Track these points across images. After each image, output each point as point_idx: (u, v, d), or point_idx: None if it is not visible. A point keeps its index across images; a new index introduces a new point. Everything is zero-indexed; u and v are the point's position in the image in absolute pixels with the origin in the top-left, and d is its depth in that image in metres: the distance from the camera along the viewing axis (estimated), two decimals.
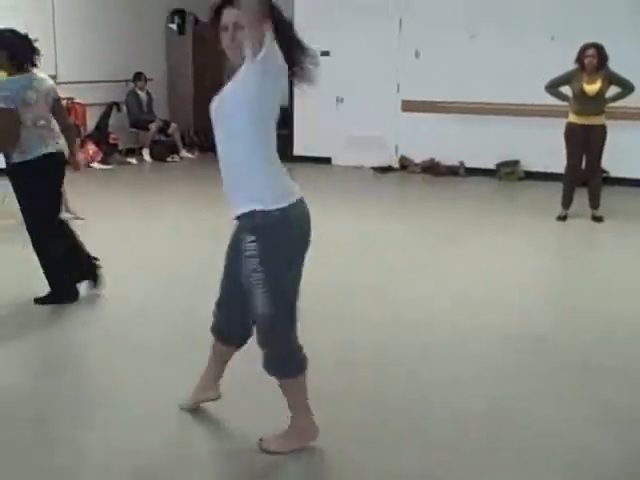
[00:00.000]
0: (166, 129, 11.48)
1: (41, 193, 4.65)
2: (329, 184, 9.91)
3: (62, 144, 4.82)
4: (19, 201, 4.71)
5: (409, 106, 10.65)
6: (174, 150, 11.48)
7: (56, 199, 4.82)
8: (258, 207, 2.77)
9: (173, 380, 3.66)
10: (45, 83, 4.73)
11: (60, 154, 4.78)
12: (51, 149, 4.69)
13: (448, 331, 4.49)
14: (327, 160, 11.28)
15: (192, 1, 12.12)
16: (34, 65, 4.67)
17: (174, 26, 12.18)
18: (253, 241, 2.79)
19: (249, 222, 2.81)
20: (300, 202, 2.90)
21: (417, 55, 10.46)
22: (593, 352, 4.17)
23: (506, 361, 4.09)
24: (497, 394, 3.66)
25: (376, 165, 10.76)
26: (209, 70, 12.57)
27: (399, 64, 10.60)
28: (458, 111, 10.26)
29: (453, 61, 10.11)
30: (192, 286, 5.17)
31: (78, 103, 10.30)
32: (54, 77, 10.02)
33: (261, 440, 3.08)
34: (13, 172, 4.65)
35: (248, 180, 2.81)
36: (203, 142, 12.01)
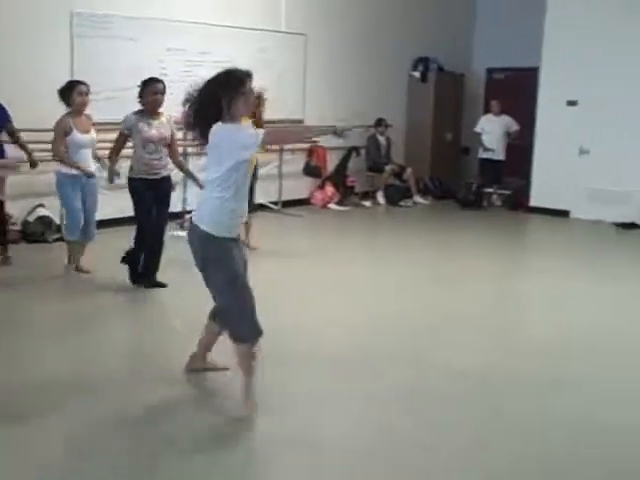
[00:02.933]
0: (401, 174, 11.66)
1: None
2: (566, 236, 9.55)
3: None
4: None
5: None
6: (408, 195, 11.62)
7: None
8: None
9: None
10: None
11: None
12: None
13: None
14: (566, 213, 10.85)
15: (436, 49, 12.30)
16: None
17: (417, 74, 12.39)
18: None
19: None
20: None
21: None
22: None
23: None
24: None
25: (618, 220, 10.17)
26: (448, 118, 12.70)
27: None
28: None
29: None
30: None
31: (321, 147, 10.76)
32: (301, 121, 10.62)
33: None
34: None
35: None
36: (438, 188, 12.08)
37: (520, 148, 11.45)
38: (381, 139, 11.66)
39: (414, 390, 4.10)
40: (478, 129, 11.74)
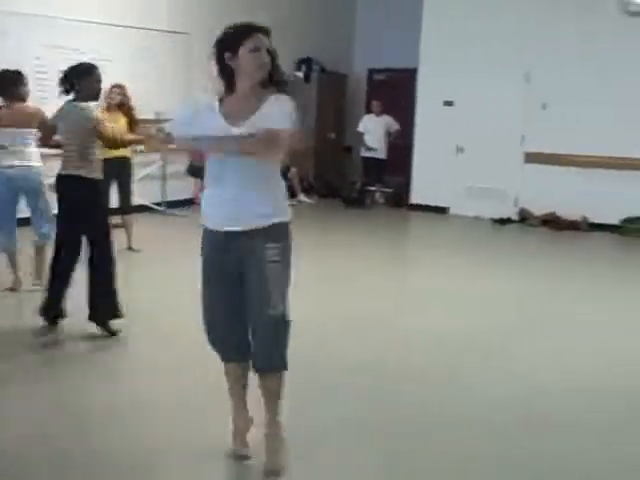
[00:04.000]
0: (285, 173, 11.72)
1: None
2: (446, 232, 9.87)
3: None
4: None
5: (533, 158, 10.49)
6: (292, 194, 11.70)
7: None
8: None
9: None
10: None
11: None
12: None
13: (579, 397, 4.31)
14: (444, 210, 11.22)
15: (319, 50, 12.44)
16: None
17: (300, 74, 12.49)
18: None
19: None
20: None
21: (544, 107, 10.31)
22: None
23: None
24: None
25: (495, 216, 10.61)
26: (331, 117, 12.86)
27: (525, 115, 10.46)
28: (583, 164, 10.01)
29: (581, 114, 9.91)
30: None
31: None
32: None
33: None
34: None
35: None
36: (322, 187, 12.23)
37: (401, 147, 11.73)
38: None
39: (325, 386, 4.15)
40: (360, 129, 11.94)
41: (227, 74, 3.01)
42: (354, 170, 12.70)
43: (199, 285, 3.14)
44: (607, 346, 5.19)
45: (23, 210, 5.98)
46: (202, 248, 3.11)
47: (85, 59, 5.48)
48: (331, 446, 3.43)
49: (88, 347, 4.76)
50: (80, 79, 4.74)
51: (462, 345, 5.06)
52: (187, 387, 4.08)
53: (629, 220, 9.80)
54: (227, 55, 2.96)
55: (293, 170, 11.75)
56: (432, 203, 11.25)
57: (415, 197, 11.53)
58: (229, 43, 2.97)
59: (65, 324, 4.87)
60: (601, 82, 9.76)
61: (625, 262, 8.50)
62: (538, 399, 4.15)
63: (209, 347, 3.22)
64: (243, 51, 2.95)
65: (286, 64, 13.49)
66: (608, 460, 3.45)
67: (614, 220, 9.87)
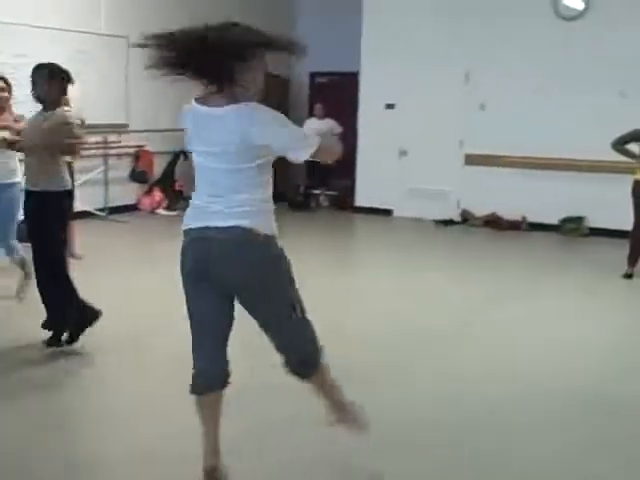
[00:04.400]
0: None
1: None
2: (391, 234, 9.98)
3: None
4: None
5: (472, 160, 10.65)
6: None
7: None
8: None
9: None
10: None
11: None
12: None
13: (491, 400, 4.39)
14: (389, 212, 11.32)
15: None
16: None
17: None
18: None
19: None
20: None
21: (482, 108, 10.49)
22: None
23: (584, 431, 3.92)
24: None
25: (437, 218, 10.74)
26: None
27: (465, 117, 10.63)
28: (522, 165, 10.21)
29: (519, 115, 10.11)
30: None
31: (147, 151, 10.58)
32: (126, 125, 10.41)
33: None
34: None
35: None
36: None
37: (345, 150, 11.77)
38: None
39: (246, 385, 4.15)
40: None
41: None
42: (299, 174, 12.72)
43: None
44: (541, 345, 5.28)
45: None
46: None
47: (22, 64, 5.39)
48: (276, 442, 3.44)
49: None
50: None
51: (401, 344, 5.12)
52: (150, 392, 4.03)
53: (568, 220, 10.03)
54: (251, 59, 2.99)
55: None
56: (376, 205, 11.35)
57: (359, 200, 11.61)
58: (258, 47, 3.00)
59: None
60: (538, 84, 9.96)
61: (563, 261, 8.68)
62: (468, 398, 4.22)
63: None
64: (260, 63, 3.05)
65: None
66: (528, 459, 3.51)
67: (554, 220, 10.08)
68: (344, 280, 7.32)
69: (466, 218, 10.75)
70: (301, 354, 3.04)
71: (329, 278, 7.22)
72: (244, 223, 2.84)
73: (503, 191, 10.39)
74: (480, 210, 10.60)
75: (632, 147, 7.44)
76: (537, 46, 9.95)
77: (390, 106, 11.13)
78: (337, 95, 12.53)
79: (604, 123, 8.84)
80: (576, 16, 9.81)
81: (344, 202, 11.86)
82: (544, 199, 10.05)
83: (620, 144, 7.47)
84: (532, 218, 10.26)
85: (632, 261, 7.48)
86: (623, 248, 7.59)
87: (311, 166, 12.02)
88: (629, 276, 7.43)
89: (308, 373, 3.08)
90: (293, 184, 12.42)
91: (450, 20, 10.49)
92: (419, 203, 10.99)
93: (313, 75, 13.51)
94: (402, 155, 11.19)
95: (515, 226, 10.29)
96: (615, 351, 5.29)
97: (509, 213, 10.36)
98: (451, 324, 5.72)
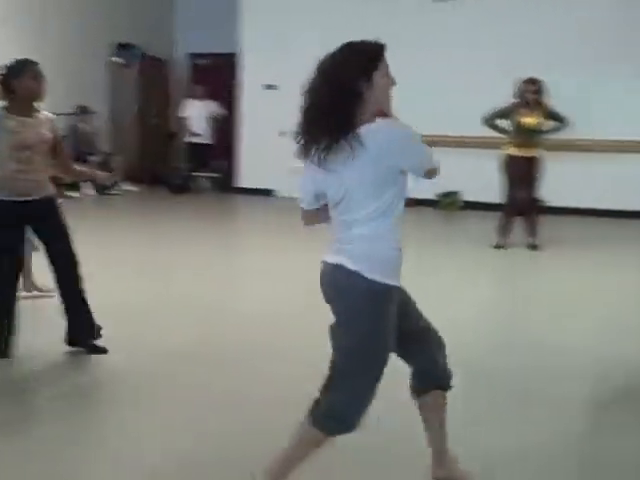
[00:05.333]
0: (109, 162, 11.41)
1: None
2: (273, 213, 10.07)
3: None
4: None
5: None
6: (117, 183, 11.41)
7: None
8: None
9: None
10: None
11: None
12: None
13: None
14: (269, 192, 11.39)
15: (139, 35, 12.18)
16: None
17: (119, 60, 12.17)
18: None
19: None
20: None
21: None
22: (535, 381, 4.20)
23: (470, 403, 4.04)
24: None
25: None
26: (154, 103, 12.66)
27: None
28: None
29: (403, 96, 10.30)
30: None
31: None
32: None
33: None
34: None
35: None
36: (147, 175, 12.03)
37: (226, 131, 11.77)
38: (84, 127, 11.32)
39: (129, 371, 4.13)
40: (184, 114, 11.85)
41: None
42: (180, 156, 12.60)
43: None
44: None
45: None
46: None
47: None
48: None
49: None
50: None
51: (280, 323, 5.17)
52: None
53: (445, 194, 10.37)
54: (362, 83, 2.51)
55: (117, 159, 11.47)
56: (258, 186, 11.39)
57: (242, 181, 11.62)
58: (367, 65, 2.56)
59: None
60: (407, 63, 10.20)
61: (440, 232, 9.00)
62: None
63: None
64: (378, 77, 2.58)
65: (104, 49, 13.24)
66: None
67: (430, 194, 10.39)
68: (225, 261, 7.33)
69: None
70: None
71: (210, 260, 7.20)
72: None
73: None
74: None
75: (501, 123, 7.80)
76: (407, 25, 10.16)
77: (271, 87, 11.17)
78: (217, 76, 12.47)
79: (475, 99, 9.13)
80: None
81: (226, 183, 11.85)
82: None
83: (492, 120, 7.81)
84: (410, 193, 10.49)
85: (503, 232, 7.84)
86: (496, 220, 7.94)
87: (191, 148, 11.97)
88: (500, 247, 7.79)
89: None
90: (174, 167, 12.30)
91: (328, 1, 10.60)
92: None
93: (193, 56, 13.37)
94: (283, 135, 11.26)
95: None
96: (486, 326, 5.46)
97: None
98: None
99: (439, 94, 10.14)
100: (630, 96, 9.77)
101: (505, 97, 7.77)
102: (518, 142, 7.61)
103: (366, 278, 2.49)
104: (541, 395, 3.90)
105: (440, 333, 2.81)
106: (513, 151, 7.59)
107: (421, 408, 2.79)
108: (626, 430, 3.49)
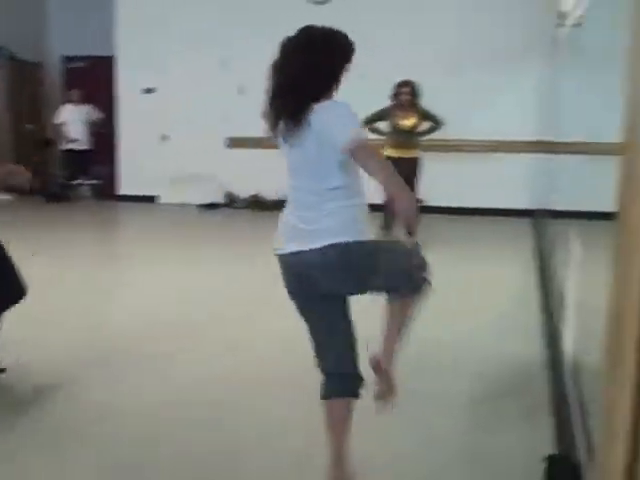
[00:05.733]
0: None
1: None
2: (155, 222, 9.90)
3: None
4: None
5: (234, 143, 10.82)
6: None
7: None
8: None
9: None
10: None
11: None
12: None
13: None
14: (152, 198, 11.23)
15: (6, 37, 11.73)
16: None
17: None
18: None
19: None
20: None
21: (241, 92, 10.67)
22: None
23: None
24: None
25: (202, 202, 10.83)
26: (27, 108, 12.22)
27: (224, 102, 10.75)
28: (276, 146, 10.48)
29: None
30: None
31: None
32: None
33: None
34: None
35: None
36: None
37: (105, 136, 11.51)
38: None
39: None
40: (59, 120, 11.51)
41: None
42: (56, 163, 12.23)
43: None
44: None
45: None
46: None
47: None
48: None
49: None
50: None
51: (160, 335, 5.13)
52: None
53: None
54: (341, 69, 2.81)
55: None
56: (140, 193, 11.20)
57: (123, 188, 11.40)
58: (348, 55, 2.84)
59: None
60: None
61: None
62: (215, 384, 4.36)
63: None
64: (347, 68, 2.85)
65: None
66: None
67: None
68: (105, 273, 7.15)
69: (231, 200, 10.93)
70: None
71: (90, 272, 7.03)
72: None
73: (265, 172, 10.64)
74: (244, 192, 10.82)
75: (380, 125, 7.99)
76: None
77: (149, 90, 11.01)
78: (94, 80, 12.17)
79: (354, 103, 9.26)
80: (325, 0, 10.24)
81: (106, 191, 11.59)
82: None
83: (370, 122, 7.97)
84: None
85: (386, 229, 8.01)
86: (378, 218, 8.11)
87: (69, 155, 11.63)
88: None
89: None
90: (50, 175, 11.92)
91: (208, 5, 10.53)
92: (184, 188, 11.00)
93: (67, 59, 12.98)
94: (164, 140, 11.12)
95: (278, 205, 10.58)
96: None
97: (272, 193, 10.66)
98: (210, 313, 5.82)
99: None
100: (502, 97, 10.15)
101: (383, 100, 7.93)
102: (395, 143, 7.80)
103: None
104: (424, 392, 4.01)
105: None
106: (391, 152, 7.75)
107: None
108: (508, 425, 3.63)
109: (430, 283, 2.99)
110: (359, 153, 2.61)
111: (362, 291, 2.84)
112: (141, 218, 10.43)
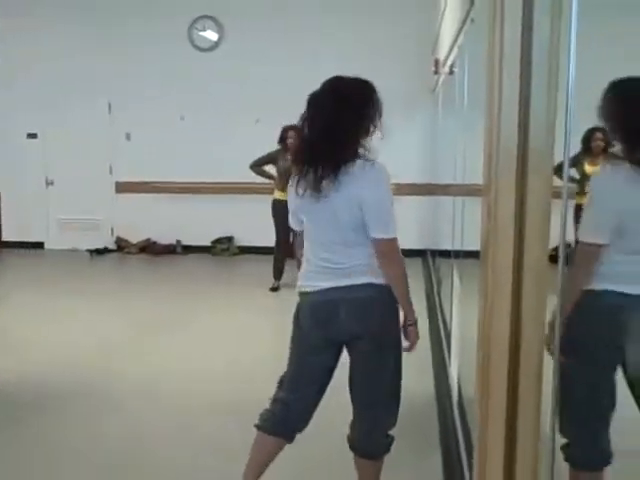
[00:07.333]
0: None
1: None
2: (43, 269, 9.64)
3: None
4: None
5: (123, 187, 10.70)
6: None
7: None
8: None
9: None
10: None
11: None
12: None
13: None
14: (40, 245, 10.94)
15: None
16: None
17: None
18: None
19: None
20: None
21: (128, 138, 10.60)
22: None
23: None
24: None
25: (92, 247, 10.63)
26: None
27: (111, 146, 10.64)
28: (172, 191, 10.46)
29: (164, 142, 10.37)
30: None
31: None
32: None
33: None
34: None
35: None
36: None
37: None
38: None
39: None
40: None
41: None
42: None
43: None
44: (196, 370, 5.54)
45: None
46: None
47: None
48: None
49: None
50: None
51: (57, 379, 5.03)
52: None
53: (218, 240, 10.50)
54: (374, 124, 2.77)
55: None
56: (26, 239, 10.90)
57: (7, 234, 11.04)
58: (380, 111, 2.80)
59: None
60: (180, 112, 10.33)
61: (217, 280, 9.10)
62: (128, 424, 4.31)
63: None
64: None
65: None
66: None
67: (206, 242, 10.50)
68: None
69: (121, 246, 10.77)
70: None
71: None
72: None
73: (156, 216, 10.59)
74: (135, 237, 10.69)
75: (268, 168, 8.10)
76: (176, 75, 10.26)
77: (32, 135, 10.78)
78: None
79: (242, 147, 9.31)
80: (211, 47, 10.33)
81: None
82: (196, 222, 10.41)
83: (258, 165, 8.08)
84: (186, 241, 10.59)
85: (277, 275, 8.08)
86: (270, 263, 8.17)
87: None
88: (275, 289, 8.02)
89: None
90: None
91: (84, 50, 10.41)
92: (72, 234, 10.78)
93: None
94: (50, 185, 10.89)
95: (170, 250, 10.54)
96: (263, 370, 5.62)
97: (164, 238, 10.59)
98: (99, 357, 5.72)
99: (207, 142, 10.28)
100: (392, 140, 10.40)
101: (270, 144, 8.04)
102: (283, 187, 7.88)
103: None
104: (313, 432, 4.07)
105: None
106: (279, 195, 7.84)
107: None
108: (400, 462, 3.72)
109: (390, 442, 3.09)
110: (386, 256, 2.75)
111: (370, 346, 2.88)
112: (27, 264, 10.10)
